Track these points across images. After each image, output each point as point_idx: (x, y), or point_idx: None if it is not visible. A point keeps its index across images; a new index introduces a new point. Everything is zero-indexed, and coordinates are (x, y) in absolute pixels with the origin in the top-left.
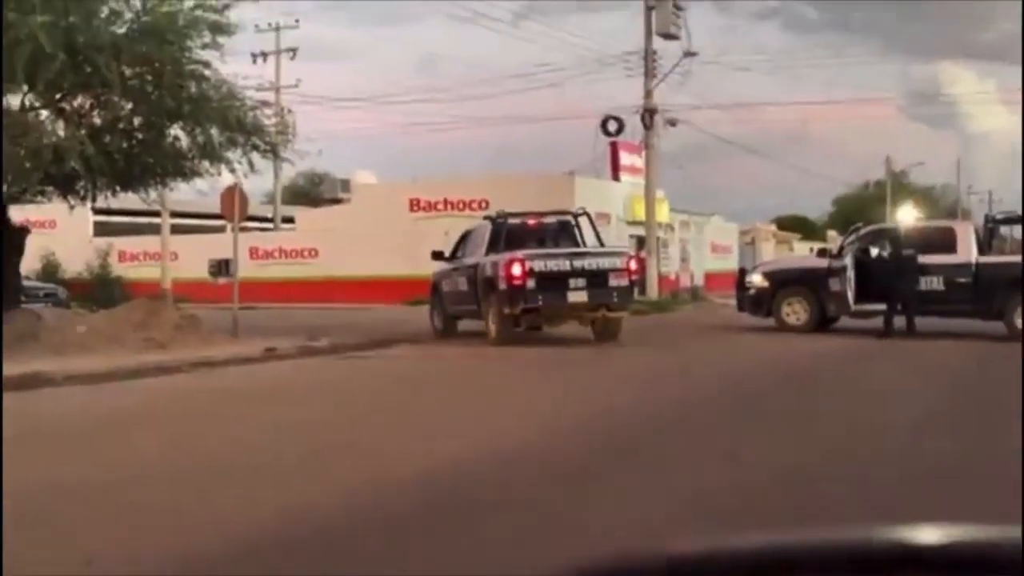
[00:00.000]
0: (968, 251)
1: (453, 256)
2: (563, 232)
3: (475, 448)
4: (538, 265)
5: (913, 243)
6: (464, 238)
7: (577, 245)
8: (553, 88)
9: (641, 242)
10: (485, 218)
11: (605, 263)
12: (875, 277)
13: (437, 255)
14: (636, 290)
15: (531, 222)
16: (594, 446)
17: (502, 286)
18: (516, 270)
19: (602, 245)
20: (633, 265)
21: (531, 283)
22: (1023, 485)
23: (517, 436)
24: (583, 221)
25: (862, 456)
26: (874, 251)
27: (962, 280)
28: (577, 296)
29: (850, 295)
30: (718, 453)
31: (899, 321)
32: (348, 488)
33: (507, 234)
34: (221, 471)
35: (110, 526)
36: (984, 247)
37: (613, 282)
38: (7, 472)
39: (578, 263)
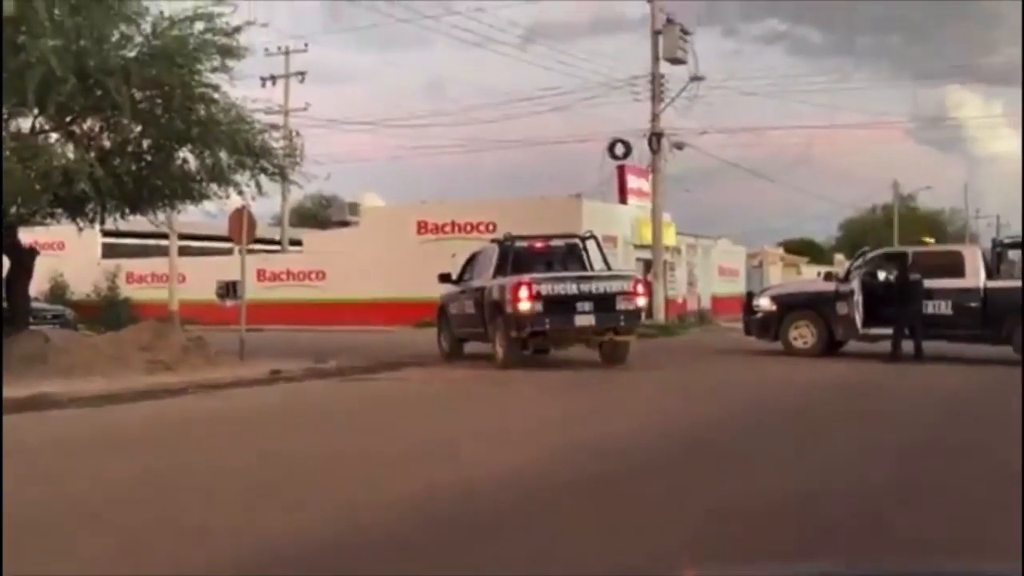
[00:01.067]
0: (976, 276)
1: (460, 279)
2: (571, 255)
3: (475, 470)
4: (545, 289)
5: (921, 267)
6: (471, 261)
7: (585, 268)
8: (560, 112)
9: (648, 265)
10: (492, 241)
11: (613, 286)
12: (883, 301)
13: (444, 278)
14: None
15: (538, 245)
16: (594, 470)
17: (509, 309)
18: (523, 293)
19: (609, 268)
20: (641, 288)
21: (538, 306)
22: (1022, 516)
23: (516, 459)
24: (591, 244)
25: (863, 485)
26: (881, 275)
27: (970, 304)
28: (584, 320)
29: (858, 319)
30: (720, 479)
31: (907, 346)
32: (351, 507)
33: (514, 257)
34: (226, 491)
35: (114, 546)
36: (992, 272)
37: (620, 305)
38: (11, 492)
39: (585, 286)
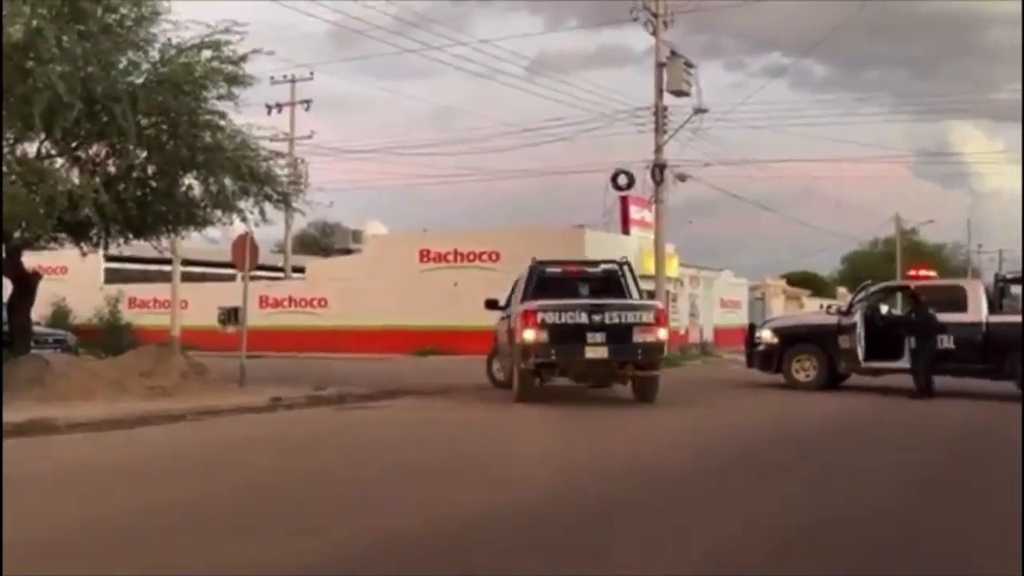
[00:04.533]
0: (978, 310)
1: (507, 305)
2: (610, 282)
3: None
4: (550, 318)
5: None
6: (514, 287)
7: (624, 296)
8: (565, 142)
9: (650, 296)
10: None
11: (629, 317)
12: (905, 334)
13: (491, 304)
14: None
15: (570, 271)
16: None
17: (516, 339)
18: (528, 322)
19: (641, 297)
20: (662, 319)
21: (543, 336)
22: (1023, 551)
23: (489, 498)
24: (626, 271)
25: (858, 519)
26: (883, 308)
27: (973, 339)
28: (596, 352)
29: (860, 352)
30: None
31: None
32: (344, 539)
33: (540, 284)
34: (221, 519)
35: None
36: (995, 306)
37: (638, 338)
38: (8, 516)
39: (597, 316)
